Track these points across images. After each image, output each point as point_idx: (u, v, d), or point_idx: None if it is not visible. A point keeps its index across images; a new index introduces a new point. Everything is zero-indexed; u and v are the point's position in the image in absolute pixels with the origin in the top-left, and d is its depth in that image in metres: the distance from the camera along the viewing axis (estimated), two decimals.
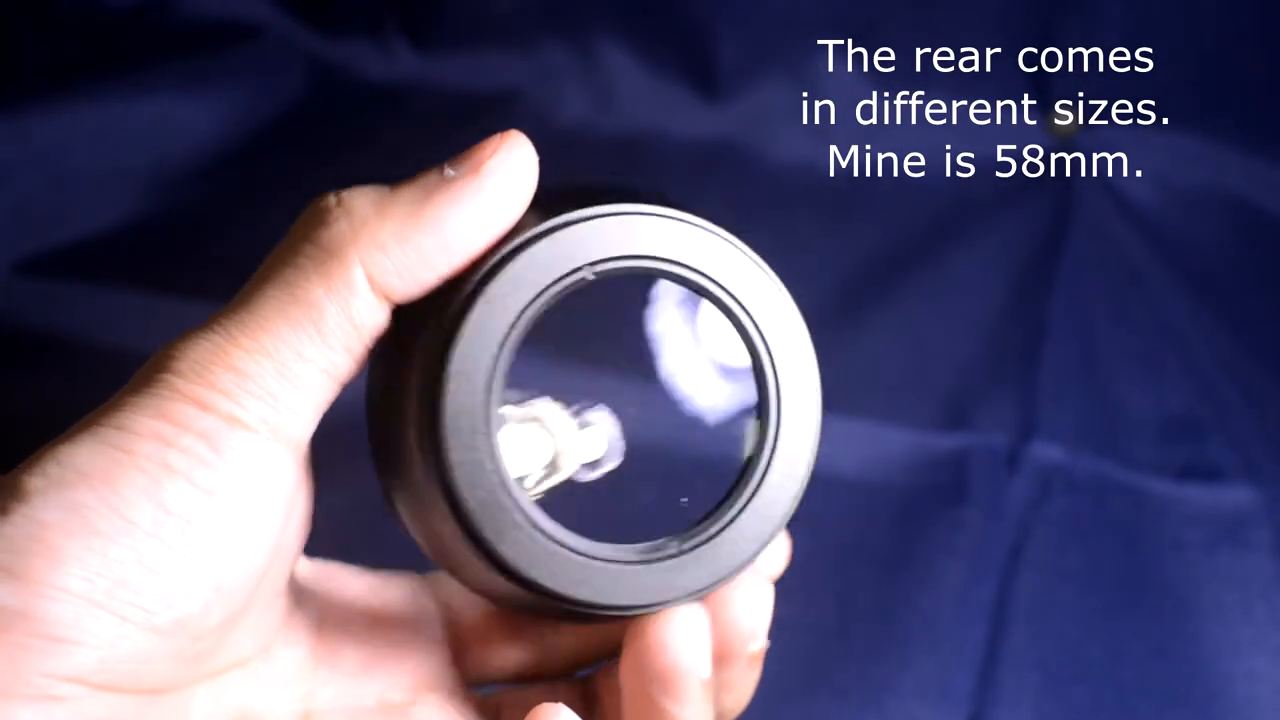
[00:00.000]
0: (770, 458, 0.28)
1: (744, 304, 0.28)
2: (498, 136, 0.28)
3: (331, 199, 0.28)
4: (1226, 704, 0.48)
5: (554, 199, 0.28)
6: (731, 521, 0.28)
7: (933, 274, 0.69)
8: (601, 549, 0.28)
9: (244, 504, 0.26)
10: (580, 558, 0.28)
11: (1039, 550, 0.54)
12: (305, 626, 0.32)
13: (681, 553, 0.28)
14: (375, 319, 0.27)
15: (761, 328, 0.28)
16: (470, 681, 0.34)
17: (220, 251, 0.68)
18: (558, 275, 0.27)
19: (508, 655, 0.34)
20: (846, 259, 0.68)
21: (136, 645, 0.26)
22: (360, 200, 0.28)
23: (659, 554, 0.28)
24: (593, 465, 0.29)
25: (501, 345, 0.27)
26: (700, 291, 0.28)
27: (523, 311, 0.27)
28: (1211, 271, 0.71)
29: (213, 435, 0.26)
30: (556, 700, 0.29)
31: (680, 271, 0.28)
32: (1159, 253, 0.71)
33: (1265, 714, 0.48)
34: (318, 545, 0.31)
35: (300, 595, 0.32)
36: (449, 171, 0.28)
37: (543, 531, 0.27)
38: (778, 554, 0.32)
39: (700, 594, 0.29)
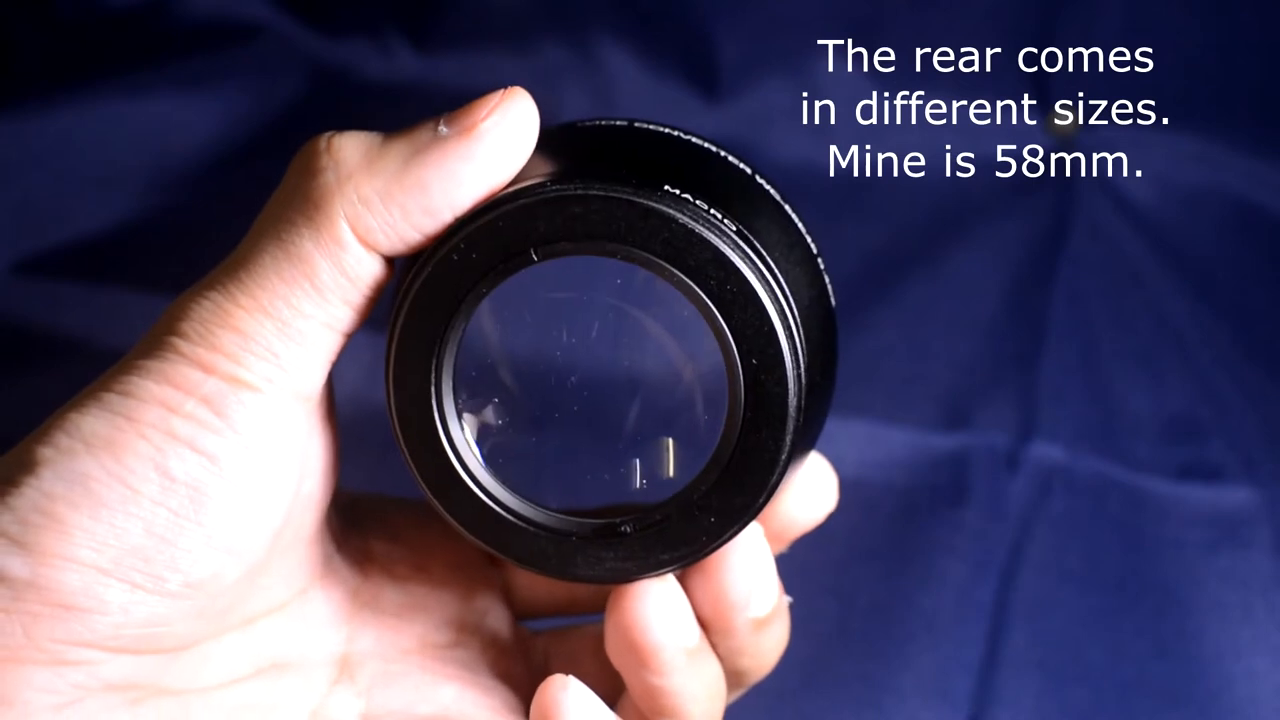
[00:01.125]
0: (741, 441, 0.27)
1: (705, 290, 0.27)
2: (498, 94, 0.28)
3: (322, 143, 0.28)
4: (1226, 704, 0.48)
5: (564, 146, 0.28)
6: (694, 504, 0.27)
7: (933, 274, 0.69)
8: (553, 520, 0.28)
9: (252, 466, 0.26)
10: (530, 529, 0.28)
11: (1039, 550, 0.53)
12: (347, 567, 0.32)
13: (633, 534, 0.28)
14: (370, 270, 0.27)
15: (724, 315, 0.27)
16: (521, 615, 0.34)
17: (220, 251, 0.68)
18: (501, 258, 0.27)
19: (548, 589, 0.34)
20: (846, 259, 0.68)
21: (151, 610, 0.26)
22: (349, 149, 0.27)
23: (610, 534, 0.28)
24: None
25: (447, 323, 0.27)
26: (655, 269, 0.27)
27: (466, 292, 0.27)
28: (1211, 271, 0.71)
29: (216, 399, 0.26)
30: (600, 643, 0.30)
31: (637, 255, 0.27)
32: (1159, 253, 0.71)
33: (1265, 714, 0.48)
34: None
35: (344, 534, 0.32)
36: (443, 129, 0.27)
37: (494, 499, 0.28)
38: (820, 498, 0.32)
39: (663, 571, 0.28)
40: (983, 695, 0.48)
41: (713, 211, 0.27)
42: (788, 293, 0.28)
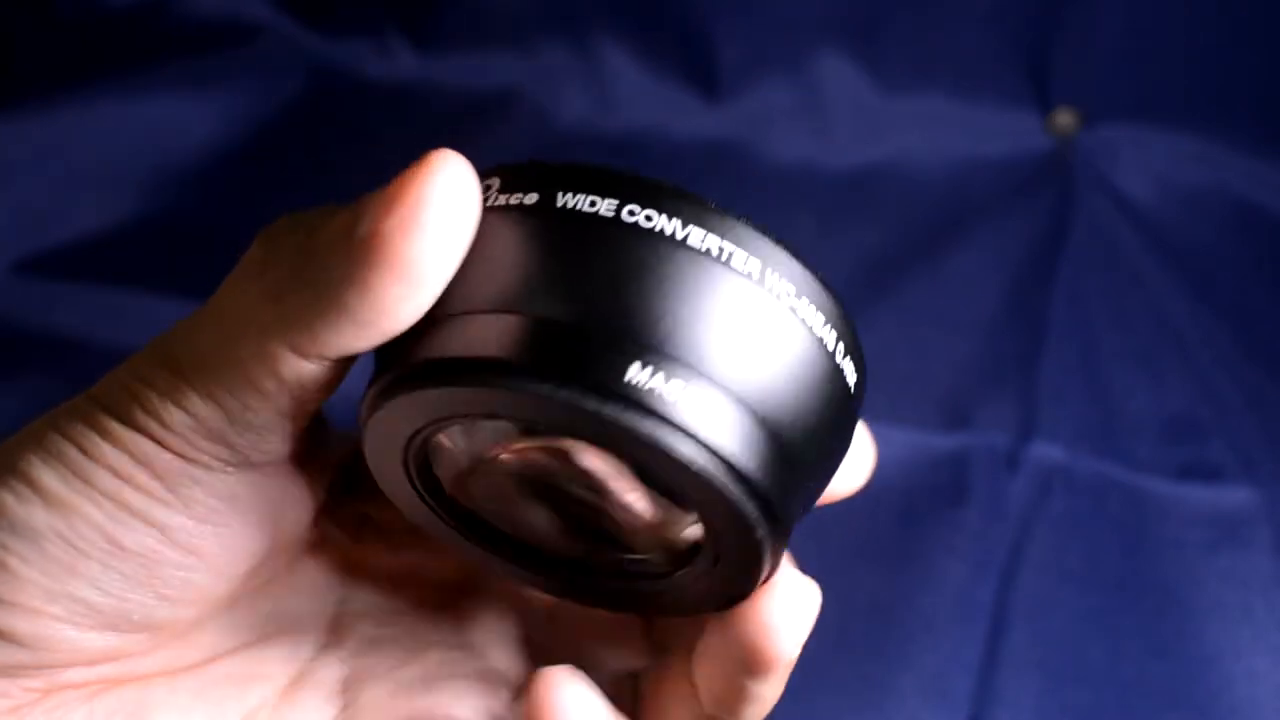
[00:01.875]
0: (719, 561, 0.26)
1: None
2: (414, 170, 0.23)
3: (257, 251, 0.25)
4: (1226, 704, 0.48)
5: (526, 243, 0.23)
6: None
7: (933, 274, 0.69)
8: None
9: (207, 536, 0.26)
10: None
11: (1039, 550, 0.53)
12: (340, 532, 0.32)
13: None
14: (322, 375, 0.24)
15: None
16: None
17: (220, 251, 0.68)
18: (432, 419, 0.24)
19: None
20: (846, 259, 0.68)
21: (105, 644, 0.26)
22: (281, 261, 0.24)
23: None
24: None
25: (406, 446, 0.26)
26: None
27: (411, 437, 0.25)
28: (1211, 271, 0.70)
29: (170, 476, 0.25)
30: (601, 623, 0.29)
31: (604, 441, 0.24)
32: (1159, 253, 0.71)
33: (1265, 714, 0.48)
34: None
35: (338, 501, 0.31)
36: (360, 229, 0.23)
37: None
38: (855, 471, 0.30)
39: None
40: (983, 695, 0.48)
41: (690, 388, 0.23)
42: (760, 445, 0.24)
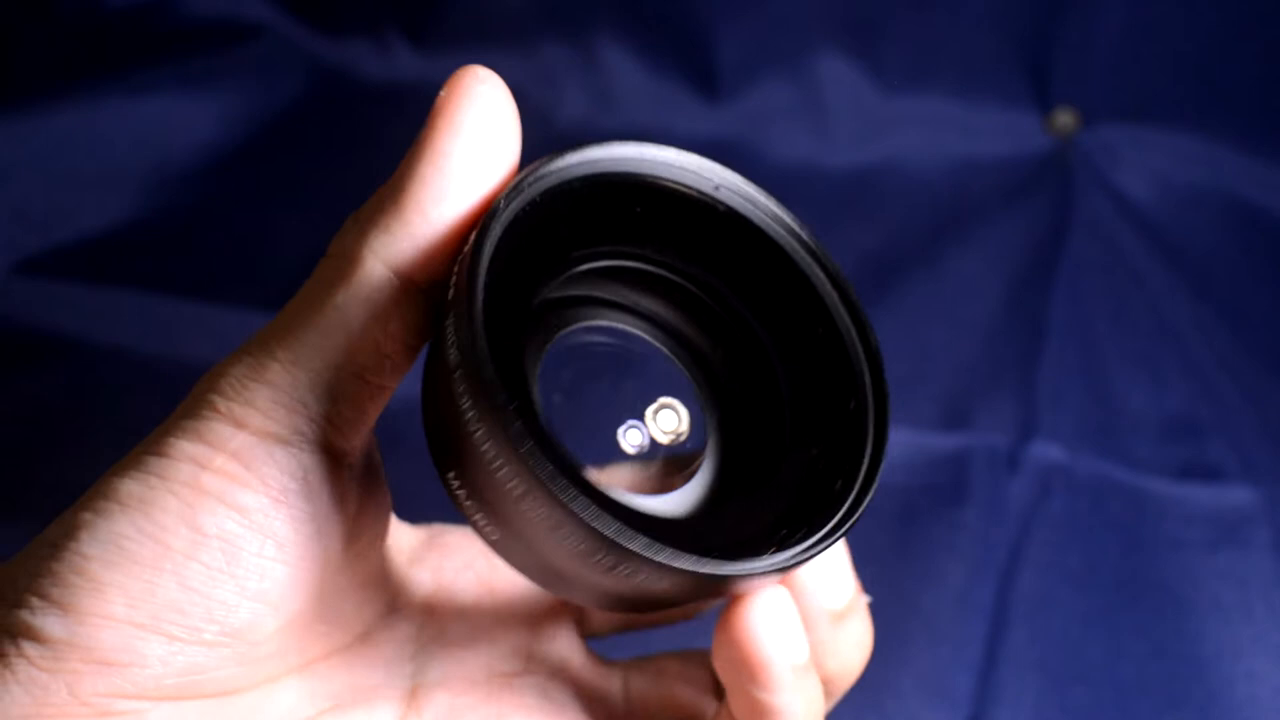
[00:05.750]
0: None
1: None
2: (450, 80, 0.27)
3: (352, 215, 0.28)
4: (1226, 704, 0.48)
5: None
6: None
7: (933, 274, 0.69)
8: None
9: (284, 519, 0.26)
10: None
11: (1039, 550, 0.53)
12: (412, 602, 0.32)
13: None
14: (401, 305, 0.26)
15: None
16: (591, 634, 0.34)
17: (220, 251, 0.68)
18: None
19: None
20: (846, 259, 0.68)
21: (189, 660, 0.26)
22: (370, 202, 0.27)
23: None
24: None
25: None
26: None
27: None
28: (1211, 271, 0.71)
29: (245, 453, 0.26)
30: (690, 677, 0.30)
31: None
32: (1159, 253, 0.71)
33: (1265, 714, 0.48)
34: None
35: (408, 571, 0.32)
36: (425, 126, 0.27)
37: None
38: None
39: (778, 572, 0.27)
40: (983, 695, 0.48)
41: None
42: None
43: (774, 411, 0.29)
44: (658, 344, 0.29)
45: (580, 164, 0.27)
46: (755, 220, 0.28)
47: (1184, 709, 0.48)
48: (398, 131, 0.80)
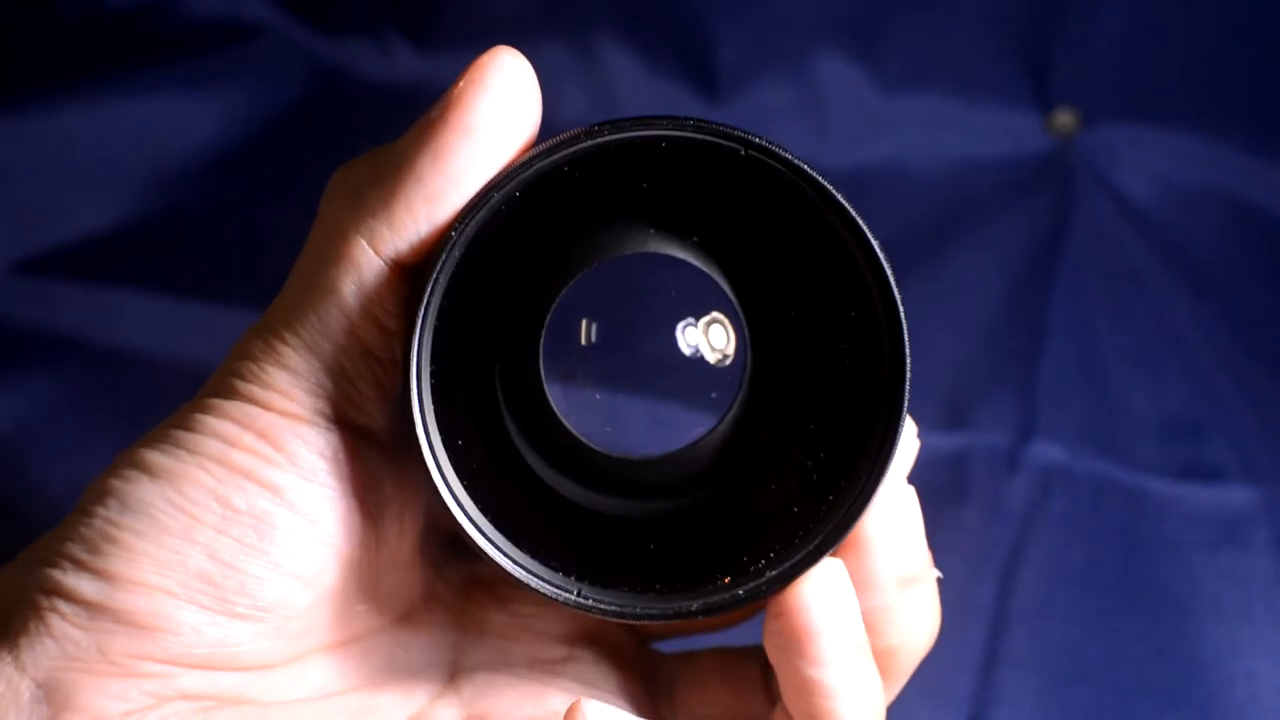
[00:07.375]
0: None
1: None
2: (480, 59, 0.27)
3: (341, 169, 0.28)
4: (1226, 704, 0.48)
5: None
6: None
7: (933, 274, 0.69)
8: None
9: (317, 497, 0.27)
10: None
11: (1039, 550, 0.53)
12: (450, 592, 0.32)
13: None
14: (395, 288, 0.27)
15: None
16: (644, 638, 0.34)
17: (220, 251, 0.68)
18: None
19: None
20: None
21: (222, 631, 0.26)
22: (360, 165, 0.27)
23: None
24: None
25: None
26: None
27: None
28: (1211, 271, 0.70)
29: (273, 432, 0.26)
30: (739, 675, 0.30)
31: None
32: (1159, 253, 0.71)
33: (1265, 714, 0.48)
34: None
35: (445, 561, 0.32)
36: (433, 110, 0.26)
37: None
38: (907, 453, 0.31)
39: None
40: (983, 695, 0.48)
41: None
42: None
43: (795, 411, 0.29)
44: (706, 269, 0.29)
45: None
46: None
47: (1184, 709, 0.48)
48: (398, 131, 0.80)
